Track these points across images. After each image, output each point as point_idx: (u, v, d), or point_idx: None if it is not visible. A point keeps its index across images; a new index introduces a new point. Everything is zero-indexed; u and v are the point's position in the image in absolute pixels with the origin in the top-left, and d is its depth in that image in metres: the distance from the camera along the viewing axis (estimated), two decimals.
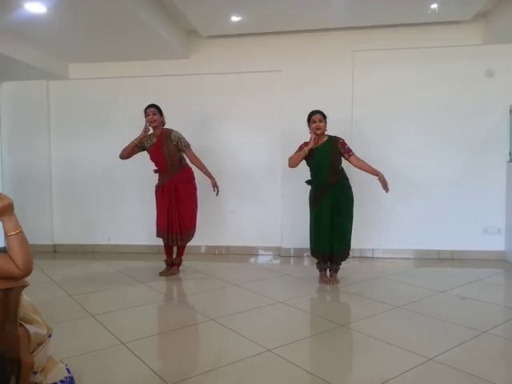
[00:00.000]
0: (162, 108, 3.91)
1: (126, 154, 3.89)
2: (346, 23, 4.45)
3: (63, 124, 5.24)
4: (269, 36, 4.71)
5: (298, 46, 4.72)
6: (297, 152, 3.63)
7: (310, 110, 3.62)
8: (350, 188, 3.66)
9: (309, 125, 3.60)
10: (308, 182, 3.72)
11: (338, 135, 3.65)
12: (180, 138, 3.90)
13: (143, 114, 3.87)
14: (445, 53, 4.55)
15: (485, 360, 2.19)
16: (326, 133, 3.61)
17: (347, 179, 3.66)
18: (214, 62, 4.90)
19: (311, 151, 3.57)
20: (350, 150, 3.61)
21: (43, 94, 5.19)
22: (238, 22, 4.26)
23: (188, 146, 3.94)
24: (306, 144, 3.60)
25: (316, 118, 3.54)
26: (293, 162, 3.62)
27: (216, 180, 3.98)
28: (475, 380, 1.97)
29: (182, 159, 3.98)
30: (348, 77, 4.66)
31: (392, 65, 4.65)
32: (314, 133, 3.55)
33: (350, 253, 4.58)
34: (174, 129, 3.93)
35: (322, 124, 3.53)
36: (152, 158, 3.95)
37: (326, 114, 3.59)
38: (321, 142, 3.59)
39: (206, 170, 3.97)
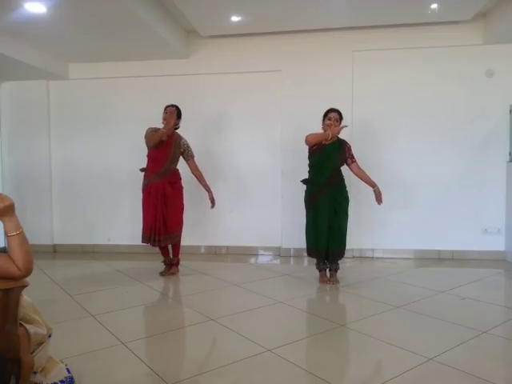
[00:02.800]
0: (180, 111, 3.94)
1: (153, 143, 3.76)
2: (346, 23, 4.45)
3: (63, 124, 5.24)
4: (269, 36, 4.71)
5: (298, 46, 4.72)
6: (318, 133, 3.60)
7: (329, 107, 3.64)
8: (346, 187, 3.68)
9: (323, 120, 3.61)
10: (304, 182, 3.71)
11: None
12: (188, 147, 3.98)
13: (163, 109, 3.87)
14: (445, 53, 4.55)
15: (485, 360, 2.20)
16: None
17: (344, 179, 3.68)
18: (213, 61, 4.90)
19: (321, 146, 3.56)
20: (354, 157, 3.67)
21: (43, 94, 5.19)
22: (237, 21, 4.26)
23: (193, 156, 4.02)
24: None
25: (332, 116, 3.56)
26: (311, 140, 3.54)
27: (213, 194, 4.03)
28: (475, 380, 1.97)
29: (177, 164, 3.99)
30: (348, 77, 4.66)
31: (392, 65, 4.65)
32: (327, 130, 3.56)
33: (350, 253, 4.63)
34: (182, 136, 3.97)
35: (336, 123, 3.56)
36: (153, 154, 3.88)
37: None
38: (331, 141, 3.60)
39: (206, 183, 4.03)
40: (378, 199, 3.63)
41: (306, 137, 3.56)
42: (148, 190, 3.91)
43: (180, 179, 4.04)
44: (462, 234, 4.59)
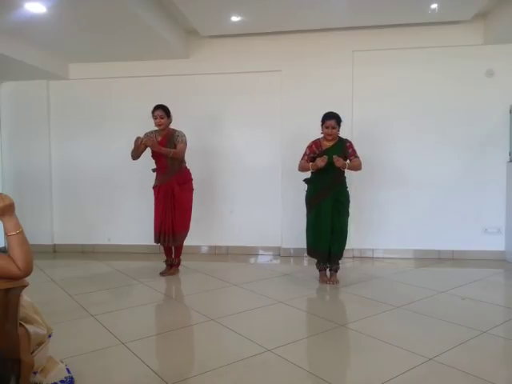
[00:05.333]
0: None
1: (136, 156, 3.90)
2: (346, 23, 4.45)
3: (63, 124, 5.23)
4: (269, 36, 4.71)
5: (298, 46, 4.72)
6: (304, 157, 3.64)
7: (326, 111, 3.58)
8: (347, 187, 3.69)
9: (322, 126, 3.58)
10: (307, 181, 3.70)
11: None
12: (179, 136, 3.90)
13: (151, 114, 3.88)
14: (445, 53, 4.55)
15: (485, 360, 2.20)
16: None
17: (345, 180, 3.67)
18: (213, 62, 4.90)
19: (321, 152, 3.56)
20: (356, 153, 3.58)
21: (43, 94, 5.19)
22: (237, 21, 4.26)
23: (183, 141, 3.89)
24: (315, 144, 3.61)
25: (329, 125, 3.51)
26: (300, 171, 3.69)
27: (163, 150, 3.78)
28: (475, 380, 1.97)
29: (182, 162, 3.98)
30: (348, 77, 4.66)
31: (392, 65, 4.65)
32: (326, 138, 3.58)
33: (350, 253, 4.64)
34: (177, 129, 3.96)
35: (334, 131, 3.53)
36: (153, 156, 3.95)
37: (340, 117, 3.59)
38: (332, 144, 3.59)
39: (168, 151, 3.80)
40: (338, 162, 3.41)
41: (298, 166, 3.68)
42: (157, 192, 3.95)
43: (190, 180, 4.05)
44: (461, 234, 4.59)
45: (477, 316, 2.85)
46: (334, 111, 3.58)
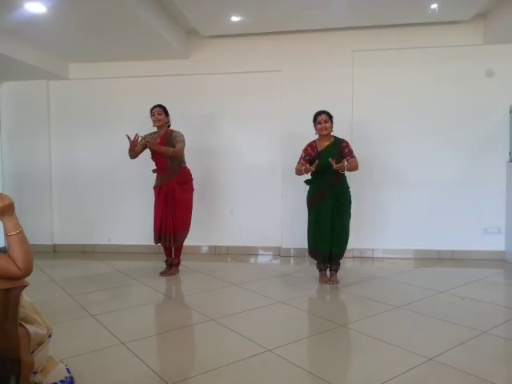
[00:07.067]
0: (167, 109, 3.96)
1: (133, 156, 3.91)
2: (346, 23, 4.45)
3: (63, 124, 5.23)
4: (269, 36, 4.71)
5: (298, 46, 4.72)
6: (300, 161, 3.63)
7: (316, 111, 3.61)
8: (349, 187, 3.67)
9: (314, 125, 3.59)
10: (307, 182, 3.71)
11: (337, 135, 3.66)
12: (177, 135, 3.90)
13: (149, 113, 3.92)
14: (445, 53, 4.55)
15: (485, 360, 2.19)
16: (331, 133, 3.61)
17: (346, 180, 3.66)
18: (214, 62, 4.90)
19: (317, 154, 3.57)
20: (352, 153, 3.58)
21: (43, 94, 5.19)
22: (237, 21, 4.26)
23: (182, 141, 3.88)
24: (311, 147, 3.63)
25: (321, 119, 3.53)
26: (298, 174, 3.67)
27: (163, 149, 3.80)
28: (475, 380, 1.97)
29: (182, 162, 3.99)
30: (348, 77, 4.66)
31: (392, 65, 4.65)
32: (320, 134, 3.57)
33: (350, 253, 4.63)
34: (176, 130, 3.97)
35: (327, 125, 3.53)
36: (153, 158, 3.96)
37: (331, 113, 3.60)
38: (327, 144, 3.59)
39: (167, 150, 3.80)
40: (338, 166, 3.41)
41: (295, 170, 3.67)
42: (157, 192, 3.96)
43: (191, 180, 4.06)
44: (462, 234, 4.59)
45: (477, 316, 2.85)
46: (331, 112, 3.61)
